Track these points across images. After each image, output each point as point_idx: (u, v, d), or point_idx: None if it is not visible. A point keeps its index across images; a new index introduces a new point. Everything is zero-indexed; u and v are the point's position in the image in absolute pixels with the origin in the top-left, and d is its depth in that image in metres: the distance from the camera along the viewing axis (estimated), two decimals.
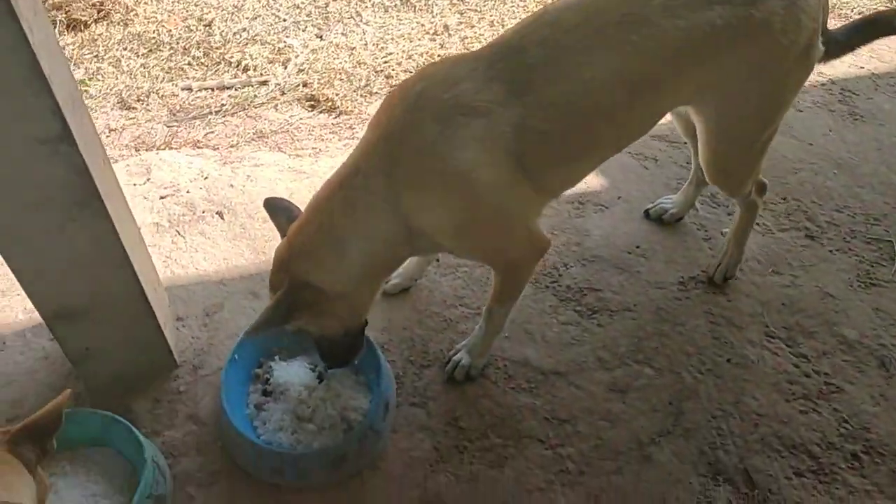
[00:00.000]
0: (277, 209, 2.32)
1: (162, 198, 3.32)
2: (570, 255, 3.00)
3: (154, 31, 4.47)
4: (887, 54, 4.05)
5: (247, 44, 4.34)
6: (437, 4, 4.67)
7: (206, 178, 3.41)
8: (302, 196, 3.24)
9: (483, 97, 2.03)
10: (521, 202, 2.14)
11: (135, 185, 3.41)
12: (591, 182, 3.27)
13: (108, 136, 3.77)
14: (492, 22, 4.51)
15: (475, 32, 4.42)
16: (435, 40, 4.38)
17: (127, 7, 4.62)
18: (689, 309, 2.79)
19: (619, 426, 2.46)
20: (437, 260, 2.94)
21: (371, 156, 2.06)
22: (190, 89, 4.05)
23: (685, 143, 2.93)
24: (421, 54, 4.24)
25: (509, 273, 2.33)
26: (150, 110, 3.93)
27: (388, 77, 4.08)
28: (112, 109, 3.95)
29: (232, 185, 3.36)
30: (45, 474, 1.76)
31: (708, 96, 2.32)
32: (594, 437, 2.43)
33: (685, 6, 2.12)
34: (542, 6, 2.25)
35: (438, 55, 4.21)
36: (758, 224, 3.05)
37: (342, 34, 4.43)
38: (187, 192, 3.34)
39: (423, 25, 4.48)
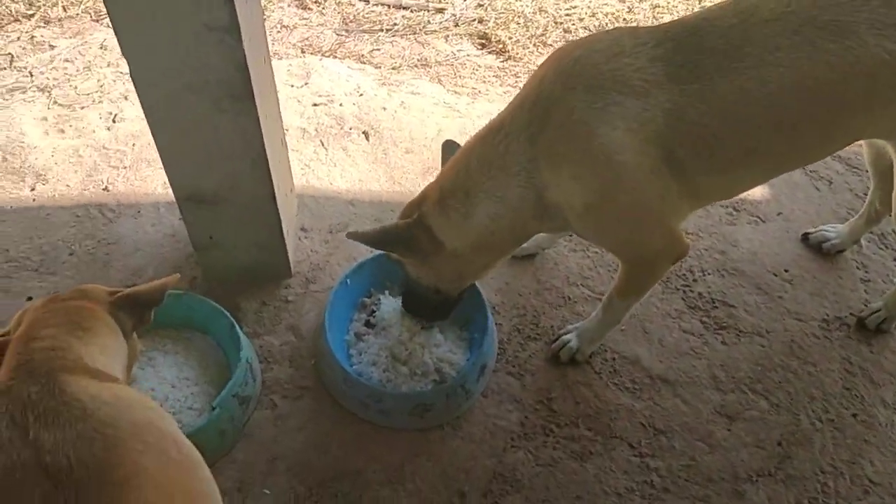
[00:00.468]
0: (451, 150, 2.26)
1: (314, 105, 3.32)
2: (710, 263, 2.81)
3: None
4: None
5: None
6: None
7: (361, 94, 3.38)
8: (450, 135, 3.17)
9: (643, 75, 1.86)
10: (664, 199, 1.96)
11: (292, 86, 3.42)
12: (752, 190, 3.04)
13: (278, 32, 3.79)
14: None
15: (668, 2, 4.16)
16: (624, 2, 4.16)
17: None
18: (826, 350, 2.57)
19: (718, 453, 2.30)
20: (570, 234, 2.81)
21: (517, 117, 1.94)
22: (367, 1, 4.01)
23: (867, 171, 2.66)
24: (606, 14, 4.04)
25: (638, 269, 2.18)
26: (324, 14, 3.93)
27: (566, 31, 3.91)
28: (288, 6, 3.97)
29: (384, 108, 3.32)
30: (137, 342, 1.80)
31: None
32: (688, 456, 2.29)
33: None
34: None
35: (624, 19, 4.00)
36: None
37: None
38: (340, 104, 3.32)
39: None
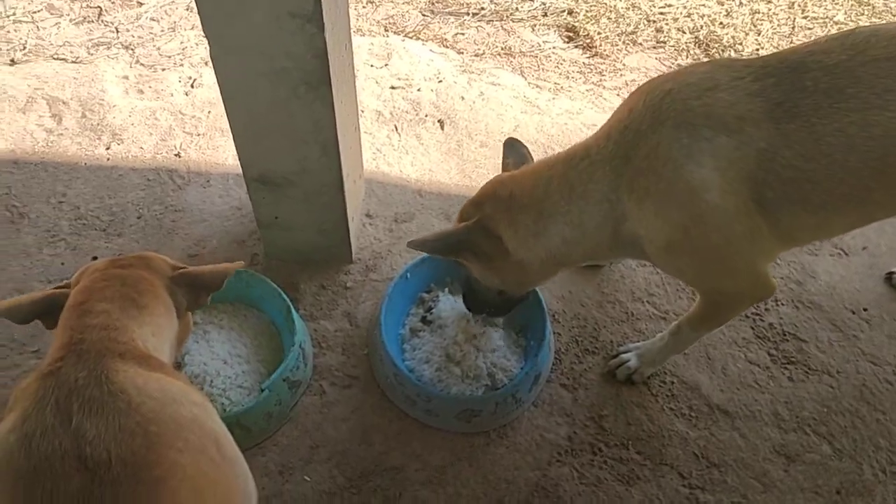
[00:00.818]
0: (513, 149, 2.21)
1: (392, 88, 3.27)
2: (785, 293, 2.68)
3: None
4: None
5: None
6: None
7: (440, 81, 3.32)
8: (528, 132, 3.09)
9: (737, 112, 1.76)
10: (751, 240, 1.86)
11: (372, 66, 3.37)
12: None
13: (364, 8, 3.74)
14: (791, 3, 4.05)
15: (769, 9, 3.98)
16: (723, 4, 3.99)
17: None
18: None
19: (772, 494, 2.21)
20: None
21: (604, 145, 1.87)
22: None
23: None
24: (702, 16, 3.89)
25: (716, 304, 2.09)
26: None
27: (658, 30, 3.77)
28: None
29: (462, 98, 3.25)
30: (190, 319, 1.79)
31: None
32: (740, 493, 2.20)
33: None
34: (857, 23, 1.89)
35: (721, 23, 3.84)
36: None
37: None
38: (418, 90, 3.27)
39: None
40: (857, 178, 1.80)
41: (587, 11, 3.83)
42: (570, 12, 3.83)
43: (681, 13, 3.90)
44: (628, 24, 3.78)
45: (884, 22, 1.78)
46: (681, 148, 1.77)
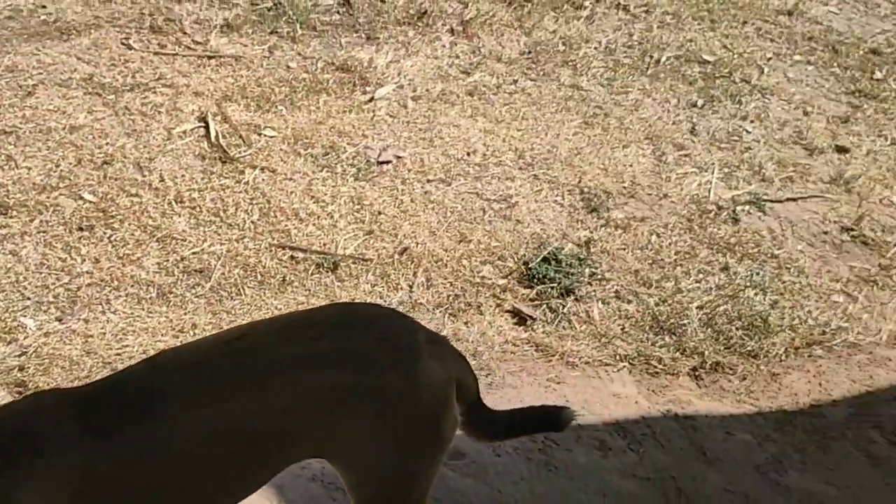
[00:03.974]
0: None
1: None
2: None
3: None
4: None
5: None
6: (191, 302, 4.75)
7: None
8: None
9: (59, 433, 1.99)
10: None
11: None
12: None
13: None
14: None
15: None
16: (178, 337, 4.40)
17: None
18: None
19: None
20: None
21: None
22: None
23: None
24: (160, 351, 4.23)
25: None
26: None
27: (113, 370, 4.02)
28: None
29: None
30: None
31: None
32: None
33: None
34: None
35: None
36: None
37: (84, 320, 4.40)
38: None
39: (171, 321, 4.52)
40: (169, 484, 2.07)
41: (38, 364, 3.96)
42: (21, 368, 3.93)
43: (138, 351, 4.21)
44: (83, 370, 3.98)
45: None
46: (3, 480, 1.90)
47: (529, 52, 6.65)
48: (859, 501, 3.86)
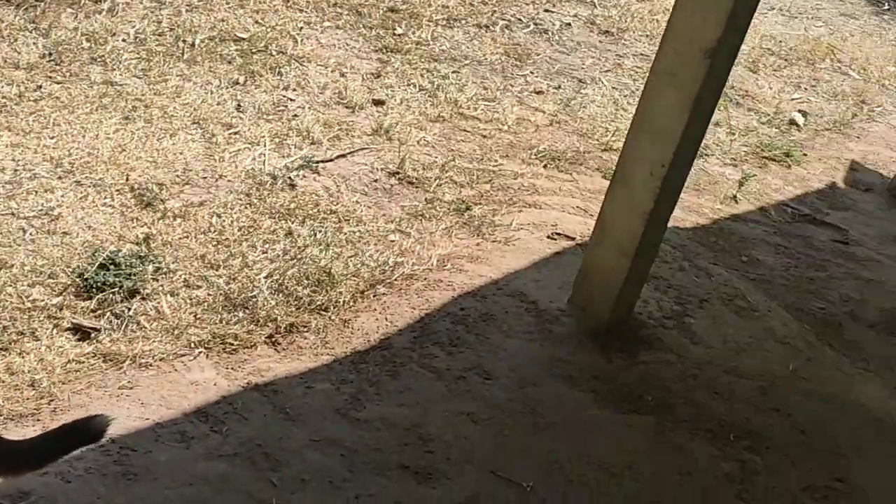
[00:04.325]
0: None
1: None
2: None
3: None
4: None
5: None
6: None
7: None
8: None
9: None
10: None
11: None
12: None
13: None
14: None
15: None
16: None
17: None
18: None
19: None
20: None
21: None
22: None
23: None
24: None
25: None
26: None
27: None
28: None
29: None
30: None
31: None
32: None
33: None
34: None
35: None
36: None
37: None
38: None
39: None
40: None
41: None
42: None
43: None
44: None
45: None
46: None
47: (51, 54, 6.23)
48: (427, 412, 4.27)
